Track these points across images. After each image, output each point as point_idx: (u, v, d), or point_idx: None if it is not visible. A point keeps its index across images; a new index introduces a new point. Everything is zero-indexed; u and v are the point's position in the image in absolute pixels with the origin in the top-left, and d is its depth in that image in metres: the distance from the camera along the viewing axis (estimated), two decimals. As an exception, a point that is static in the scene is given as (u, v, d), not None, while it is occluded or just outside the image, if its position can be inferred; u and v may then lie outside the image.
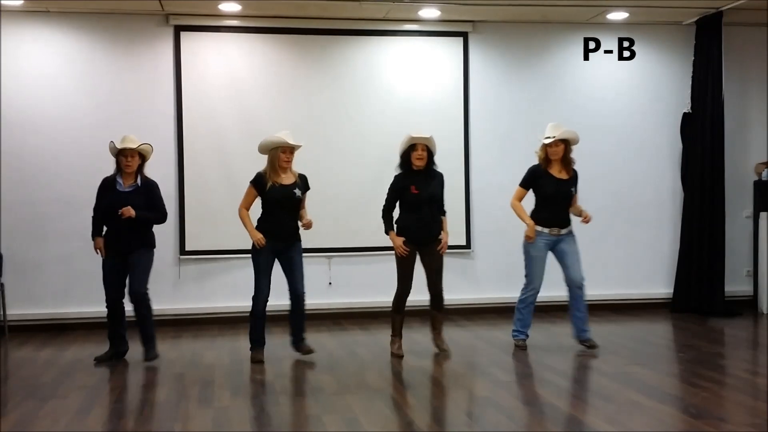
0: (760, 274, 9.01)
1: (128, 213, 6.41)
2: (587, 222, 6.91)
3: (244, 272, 8.51)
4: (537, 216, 6.90)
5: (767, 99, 9.39)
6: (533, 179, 6.95)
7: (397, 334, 6.88)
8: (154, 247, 6.75)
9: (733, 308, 8.82)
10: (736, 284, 9.23)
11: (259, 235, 6.54)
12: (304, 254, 6.79)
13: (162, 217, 6.74)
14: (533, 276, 6.92)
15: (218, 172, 8.53)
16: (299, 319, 6.77)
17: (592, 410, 5.28)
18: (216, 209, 8.50)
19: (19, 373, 6.45)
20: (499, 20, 8.92)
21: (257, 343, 6.69)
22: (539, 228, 6.84)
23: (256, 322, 6.68)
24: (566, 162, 6.89)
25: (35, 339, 7.80)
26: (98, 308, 8.13)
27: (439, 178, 6.77)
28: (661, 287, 9.29)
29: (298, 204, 6.63)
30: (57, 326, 8.21)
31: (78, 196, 8.19)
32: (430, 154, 6.66)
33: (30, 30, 8.22)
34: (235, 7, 8.20)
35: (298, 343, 6.81)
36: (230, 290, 8.57)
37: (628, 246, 9.16)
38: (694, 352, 7.02)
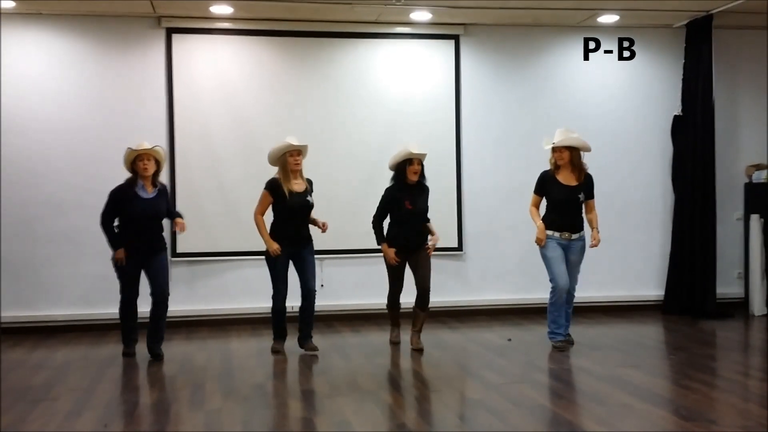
0: (751, 276, 9.03)
1: (183, 229, 6.87)
2: (595, 245, 7.03)
3: (235, 274, 8.58)
4: (547, 220, 6.98)
5: (757, 101, 9.44)
6: (542, 184, 7.04)
7: (395, 324, 7.28)
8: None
9: (725, 310, 8.85)
10: (727, 286, 9.27)
11: (276, 246, 6.75)
12: None
13: None
14: (556, 277, 6.93)
15: (209, 175, 8.52)
16: (308, 316, 7.02)
17: (583, 412, 5.28)
18: (207, 211, 8.50)
19: (10, 376, 6.42)
20: (490, 23, 8.93)
21: (277, 335, 6.99)
22: (549, 232, 6.91)
23: (276, 316, 6.98)
24: (576, 167, 6.94)
25: (26, 341, 7.77)
26: (88, 310, 8.18)
27: (426, 192, 7.07)
28: (653, 289, 9.31)
29: (310, 210, 6.92)
30: (48, 328, 8.17)
31: (67, 198, 8.20)
32: (423, 168, 6.96)
33: (22, 32, 8.19)
34: (226, 10, 8.19)
35: (304, 340, 7.03)
36: (221, 292, 8.58)
37: (619, 248, 9.17)
38: (686, 354, 7.03)
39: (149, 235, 6.73)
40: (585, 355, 6.82)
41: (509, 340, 7.60)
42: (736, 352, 7.51)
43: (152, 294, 6.82)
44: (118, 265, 6.73)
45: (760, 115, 9.46)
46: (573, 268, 7.02)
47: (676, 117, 9.10)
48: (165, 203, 6.82)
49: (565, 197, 6.91)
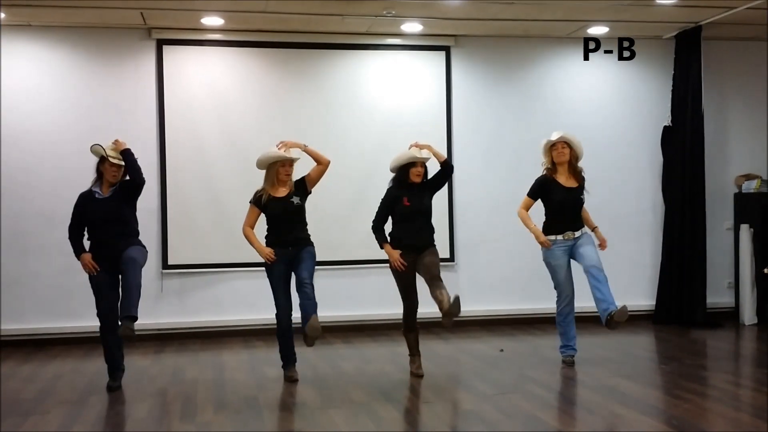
0: (742, 286, 9.06)
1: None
2: (605, 247, 7.01)
3: (227, 286, 8.57)
4: (549, 226, 6.84)
5: (746, 112, 9.50)
6: (540, 188, 6.87)
7: (414, 353, 6.72)
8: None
9: (715, 320, 8.88)
10: (717, 296, 9.30)
11: (268, 250, 6.44)
12: None
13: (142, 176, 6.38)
14: (560, 285, 6.89)
15: (201, 186, 8.51)
16: (304, 304, 6.32)
17: (575, 423, 5.29)
18: (199, 223, 8.49)
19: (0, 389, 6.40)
20: (481, 35, 8.97)
21: (288, 360, 6.60)
22: (552, 237, 6.79)
23: (283, 340, 6.55)
24: (573, 169, 6.84)
25: (16, 354, 7.73)
26: (79, 323, 8.12)
27: (429, 191, 6.72)
28: (643, 299, 9.32)
29: (299, 211, 6.54)
30: (38, 341, 8.14)
31: (59, 210, 8.08)
32: (427, 170, 6.64)
33: (11, 43, 8.18)
34: (217, 21, 8.20)
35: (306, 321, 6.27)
36: (213, 304, 8.55)
37: (610, 258, 9.05)
38: (676, 363, 7.05)
39: (111, 238, 6.19)
40: (577, 366, 6.82)
41: (501, 350, 7.60)
42: (727, 362, 7.53)
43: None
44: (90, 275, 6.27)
45: (749, 125, 9.52)
46: (588, 250, 6.76)
47: (665, 127, 9.14)
48: (121, 199, 6.28)
49: (568, 199, 6.78)
